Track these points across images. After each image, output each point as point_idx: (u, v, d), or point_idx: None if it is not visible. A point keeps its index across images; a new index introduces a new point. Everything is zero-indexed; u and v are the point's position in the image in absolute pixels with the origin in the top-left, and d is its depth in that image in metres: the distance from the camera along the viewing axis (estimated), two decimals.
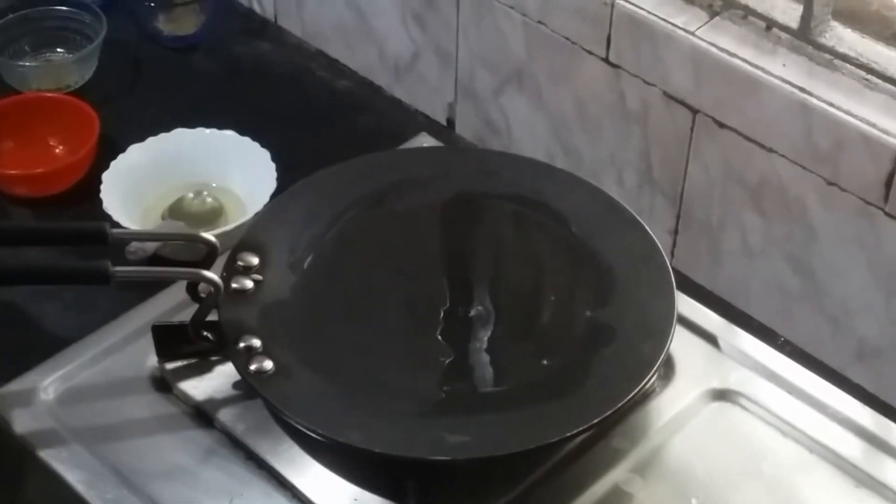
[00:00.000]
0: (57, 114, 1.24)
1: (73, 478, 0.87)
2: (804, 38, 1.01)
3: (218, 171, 1.19)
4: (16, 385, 0.93)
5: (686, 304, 0.98)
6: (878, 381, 1.04)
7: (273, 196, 1.10)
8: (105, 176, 1.15)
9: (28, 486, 0.93)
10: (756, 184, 1.06)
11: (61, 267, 0.89)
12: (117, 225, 1.10)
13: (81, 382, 0.94)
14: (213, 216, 1.15)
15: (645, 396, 0.91)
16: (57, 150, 1.24)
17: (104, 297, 1.02)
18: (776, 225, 1.06)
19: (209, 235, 0.93)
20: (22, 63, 1.30)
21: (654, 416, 0.91)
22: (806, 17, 1.00)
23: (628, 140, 1.14)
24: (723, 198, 1.09)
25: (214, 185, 1.18)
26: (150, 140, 1.20)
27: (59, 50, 1.33)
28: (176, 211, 1.15)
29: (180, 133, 1.20)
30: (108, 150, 1.19)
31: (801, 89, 0.99)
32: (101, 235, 0.89)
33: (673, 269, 1.14)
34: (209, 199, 1.16)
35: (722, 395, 0.93)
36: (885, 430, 0.90)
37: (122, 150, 1.18)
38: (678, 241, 1.15)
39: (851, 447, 0.89)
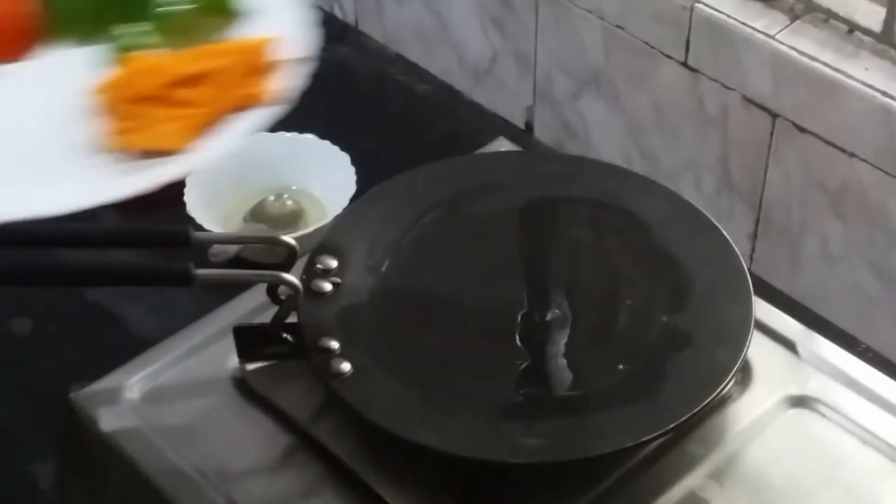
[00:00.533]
0: None
1: (156, 477, 0.89)
2: (887, 41, 1.00)
3: (298, 175, 1.21)
4: (101, 384, 0.95)
5: (764, 310, 0.97)
6: None
7: (352, 199, 1.12)
8: (189, 179, 1.18)
9: (112, 484, 0.95)
10: (837, 189, 1.05)
11: (145, 268, 0.91)
12: (200, 228, 1.12)
13: (165, 382, 0.95)
14: (293, 219, 1.17)
15: (722, 402, 0.90)
16: None
17: (187, 299, 1.04)
18: (857, 230, 1.05)
19: (289, 238, 0.94)
20: None
21: (730, 421, 0.90)
22: (889, 21, 0.99)
23: (706, 144, 1.14)
24: (803, 203, 1.08)
25: (295, 188, 1.20)
26: None
27: None
28: (257, 214, 1.17)
29: (261, 137, 1.22)
30: None
31: (884, 93, 0.98)
32: (183, 238, 0.91)
33: (752, 273, 1.13)
34: (289, 203, 1.18)
35: (800, 401, 0.92)
36: None
37: None
38: (757, 245, 1.15)
39: None
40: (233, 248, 1.09)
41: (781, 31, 1.04)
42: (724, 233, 0.97)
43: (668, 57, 1.12)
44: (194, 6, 0.71)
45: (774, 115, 1.06)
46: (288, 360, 0.94)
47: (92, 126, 0.66)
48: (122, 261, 0.92)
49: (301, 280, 0.92)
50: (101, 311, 1.08)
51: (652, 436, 0.84)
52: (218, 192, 1.19)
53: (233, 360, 0.95)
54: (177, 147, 0.64)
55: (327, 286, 0.95)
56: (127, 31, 0.70)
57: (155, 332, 1.02)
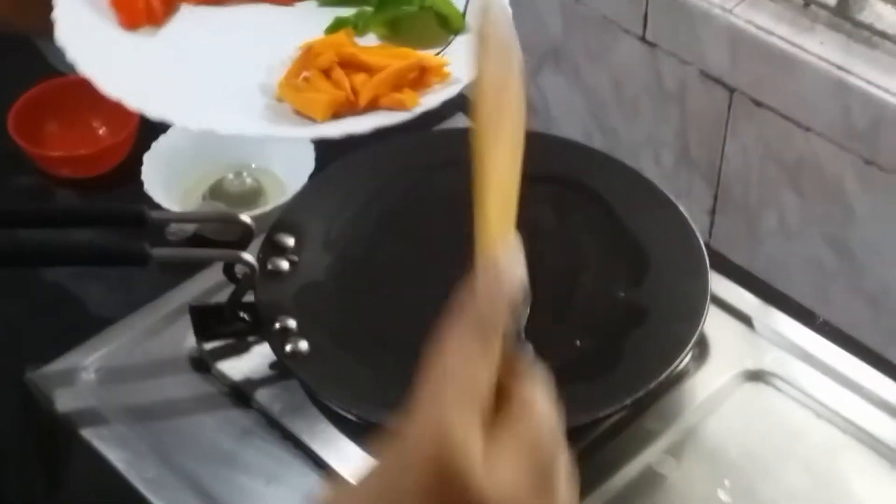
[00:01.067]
0: (99, 96, 1.23)
1: (114, 456, 0.88)
2: (842, 15, 1.00)
3: (257, 152, 1.20)
4: (58, 365, 0.94)
5: (721, 285, 0.97)
6: None
7: (311, 177, 1.11)
8: (146, 157, 1.17)
9: (70, 464, 0.94)
10: (794, 163, 1.05)
11: (100, 248, 0.91)
12: (158, 206, 1.11)
13: (122, 362, 0.95)
14: (252, 196, 1.17)
15: (678, 377, 0.91)
16: (100, 132, 1.25)
17: (147, 277, 1.04)
18: (814, 204, 1.06)
19: (245, 217, 0.94)
20: None
21: (687, 397, 0.91)
22: None
23: (665, 119, 1.14)
24: (760, 177, 1.09)
25: (254, 165, 1.19)
26: None
27: None
28: (216, 191, 1.16)
29: None
30: (150, 131, 1.20)
31: (839, 67, 0.98)
32: (140, 217, 0.90)
33: (711, 248, 1.14)
34: (249, 180, 1.17)
35: (756, 376, 0.93)
36: None
37: (164, 131, 1.19)
38: (716, 220, 1.15)
39: (888, 429, 0.89)
40: (190, 227, 1.09)
41: (738, 4, 1.04)
42: (682, 209, 0.97)
43: (627, 32, 1.12)
44: (423, 12, 0.79)
45: (732, 90, 1.06)
46: (245, 338, 0.94)
47: (280, 74, 0.77)
48: (78, 240, 0.91)
49: (258, 258, 0.92)
50: (59, 291, 1.07)
51: (608, 411, 0.84)
52: (176, 169, 1.18)
53: (190, 340, 0.95)
54: (315, 117, 0.74)
55: (284, 264, 0.94)
56: (360, 9, 0.80)
57: (114, 311, 1.02)
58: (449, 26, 0.79)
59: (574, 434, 0.85)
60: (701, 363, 0.93)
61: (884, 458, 0.88)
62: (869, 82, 0.97)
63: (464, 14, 0.79)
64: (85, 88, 1.25)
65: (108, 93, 0.75)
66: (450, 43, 0.79)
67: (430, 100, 0.75)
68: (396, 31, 0.80)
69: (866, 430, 0.89)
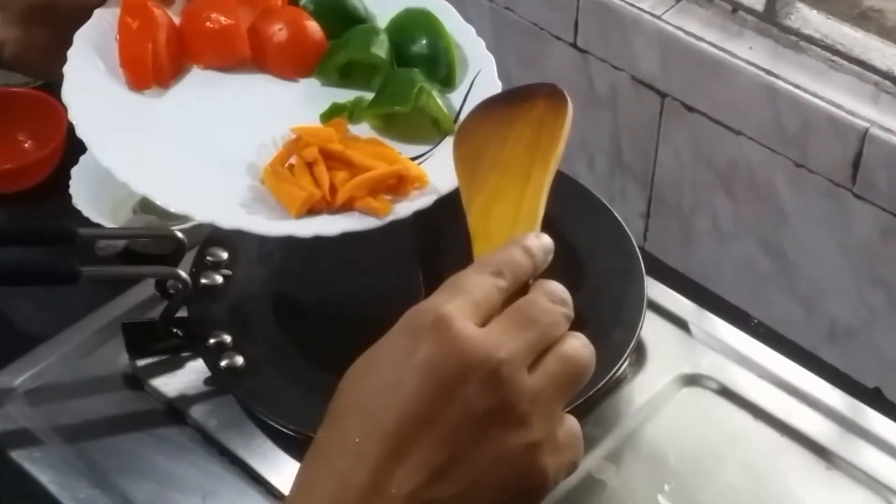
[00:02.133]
0: (25, 108, 1.23)
1: (45, 478, 0.87)
2: (770, 20, 1.01)
3: None
4: None
5: (657, 290, 0.98)
6: (851, 361, 1.05)
7: None
8: (74, 171, 1.14)
9: (3, 487, 0.92)
10: (726, 167, 1.06)
11: (29, 267, 0.89)
12: (87, 220, 1.09)
13: (53, 381, 0.93)
14: None
15: (616, 383, 0.91)
16: (26, 145, 1.23)
17: (78, 292, 1.01)
18: (747, 207, 1.06)
19: (176, 231, 0.93)
20: None
21: (625, 402, 0.91)
22: (771, 0, 1.00)
23: (599, 124, 1.14)
24: (693, 181, 1.09)
25: None
26: None
27: None
28: (147, 204, 1.14)
29: None
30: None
31: (768, 72, 0.99)
32: (70, 236, 0.89)
33: (646, 252, 1.14)
34: None
35: (693, 380, 0.93)
36: (856, 412, 0.90)
37: None
38: (650, 224, 1.16)
39: (822, 430, 0.89)
40: (121, 242, 1.07)
41: (667, 11, 1.05)
42: (616, 214, 0.97)
43: (558, 38, 1.12)
44: (413, 111, 0.80)
45: (663, 95, 1.07)
46: (180, 354, 0.93)
47: (269, 154, 0.78)
48: (4, 260, 0.90)
49: (190, 273, 0.90)
50: None
51: None
52: (105, 183, 1.15)
53: (123, 357, 0.94)
54: (290, 211, 0.75)
55: (218, 278, 0.93)
56: (358, 97, 0.82)
57: (44, 329, 1.00)
58: (439, 127, 0.81)
59: None
60: (638, 368, 0.93)
61: (820, 458, 0.89)
62: (797, 86, 0.98)
63: (455, 120, 0.80)
64: (10, 101, 1.24)
65: (100, 160, 0.75)
66: (438, 144, 0.80)
67: (403, 208, 0.76)
68: (390, 125, 0.81)
69: (802, 431, 0.90)
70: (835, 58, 0.99)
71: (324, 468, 0.51)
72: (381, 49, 0.83)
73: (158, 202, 0.74)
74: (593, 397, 0.86)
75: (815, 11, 1.01)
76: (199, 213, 0.73)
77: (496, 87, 0.82)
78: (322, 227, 0.75)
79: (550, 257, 0.60)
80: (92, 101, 0.77)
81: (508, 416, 0.51)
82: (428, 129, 0.81)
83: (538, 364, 0.53)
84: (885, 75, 0.96)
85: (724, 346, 0.95)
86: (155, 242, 1.05)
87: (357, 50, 0.83)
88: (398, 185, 0.76)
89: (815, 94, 0.97)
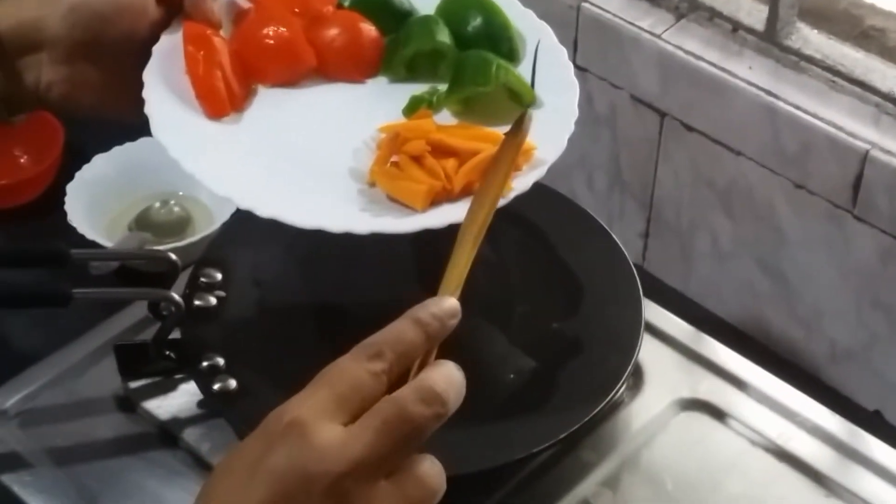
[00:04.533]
0: (21, 124, 1.21)
1: (36, 502, 0.86)
2: (770, 40, 1.00)
3: (185, 180, 1.17)
4: None
5: (655, 312, 0.97)
6: (851, 383, 1.04)
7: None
8: (69, 187, 1.14)
9: None
10: (725, 187, 1.05)
11: (21, 289, 0.88)
12: (82, 238, 1.08)
13: (44, 403, 0.93)
14: (180, 226, 1.14)
15: (613, 407, 0.90)
16: (21, 161, 1.23)
17: (71, 312, 1.01)
18: (746, 228, 1.06)
19: (169, 253, 0.92)
20: None
21: (622, 427, 0.90)
22: (772, 20, 1.00)
23: (597, 143, 1.13)
24: (692, 201, 1.08)
25: (181, 193, 1.17)
26: (116, 149, 1.18)
27: None
28: (142, 221, 1.14)
29: (146, 142, 1.18)
30: (74, 159, 1.18)
31: (768, 92, 0.98)
32: (62, 257, 0.88)
33: (645, 272, 1.13)
34: (176, 209, 1.15)
35: (691, 404, 0.92)
36: (855, 438, 0.89)
37: (88, 159, 1.17)
38: (649, 244, 1.15)
39: (821, 456, 0.88)
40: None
41: (667, 30, 1.04)
42: (614, 236, 0.97)
43: None
44: (496, 88, 0.79)
45: (662, 114, 1.06)
46: (172, 376, 0.92)
47: (366, 156, 0.77)
48: None
49: (184, 295, 0.90)
50: None
51: (543, 446, 0.83)
52: (101, 199, 1.16)
53: (115, 379, 0.93)
54: (415, 206, 0.74)
55: (212, 300, 0.92)
56: (434, 87, 0.81)
57: (38, 348, 0.99)
58: (520, 101, 0.80)
59: (508, 469, 0.85)
60: (636, 392, 0.92)
61: (819, 485, 0.87)
62: (797, 107, 0.97)
63: (532, 87, 0.80)
64: None
65: (217, 191, 0.74)
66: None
67: (521, 182, 0.75)
68: (469, 108, 0.80)
69: (801, 457, 0.89)
70: (835, 78, 0.98)
71: None
72: (444, 36, 0.82)
73: (288, 223, 0.73)
74: (591, 422, 0.85)
75: (815, 31, 1.00)
76: (333, 226, 0.73)
77: (561, 53, 0.83)
78: (450, 215, 0.73)
79: (454, 321, 0.59)
80: (185, 136, 0.77)
81: None
82: (506, 105, 0.80)
83: (392, 476, 0.52)
84: (886, 97, 0.95)
85: (722, 371, 0.94)
86: (149, 261, 1.04)
87: (423, 40, 0.82)
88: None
89: (815, 115, 0.96)
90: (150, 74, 0.78)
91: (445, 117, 0.80)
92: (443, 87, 0.81)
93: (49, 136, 1.19)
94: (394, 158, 0.77)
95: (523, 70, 0.82)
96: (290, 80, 0.82)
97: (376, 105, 0.81)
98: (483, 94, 0.80)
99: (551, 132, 0.77)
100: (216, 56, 0.79)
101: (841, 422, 0.90)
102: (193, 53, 0.78)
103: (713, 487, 0.87)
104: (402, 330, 0.56)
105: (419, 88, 0.81)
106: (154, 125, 0.76)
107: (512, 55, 0.83)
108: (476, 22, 0.84)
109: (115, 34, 0.73)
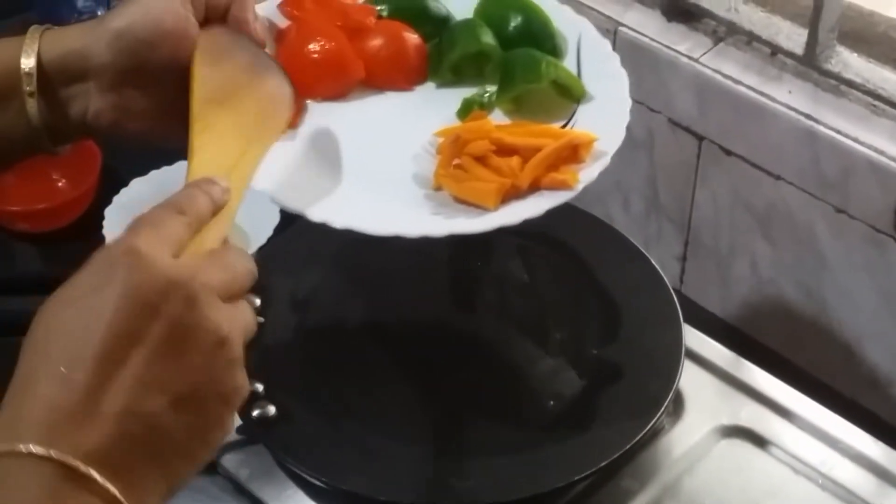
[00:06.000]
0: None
1: None
2: (810, 64, 1.00)
3: None
4: None
5: (695, 338, 0.96)
6: (892, 409, 1.03)
7: (277, 229, 1.09)
8: (107, 211, 1.14)
9: None
10: (764, 211, 1.04)
11: None
12: None
13: None
14: None
15: (654, 434, 0.90)
16: (59, 184, 1.23)
17: None
18: (785, 252, 1.05)
19: None
20: None
21: (663, 454, 0.90)
22: (811, 43, 0.99)
23: (634, 166, 1.13)
24: (731, 224, 1.08)
25: None
26: (153, 173, 1.19)
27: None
28: None
29: (183, 165, 1.18)
30: (111, 183, 1.18)
31: (808, 116, 0.98)
32: None
33: (682, 295, 1.13)
34: None
35: (732, 431, 0.91)
36: None
37: (125, 183, 1.17)
38: (687, 267, 1.14)
39: (864, 484, 0.87)
40: None
41: (705, 53, 1.04)
42: (652, 260, 0.96)
43: None
44: (547, 85, 0.80)
45: (700, 138, 1.06)
46: None
47: (427, 161, 0.78)
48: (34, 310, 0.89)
49: None
50: (16, 353, 1.05)
51: (584, 474, 0.83)
52: None
53: None
54: (487, 205, 0.74)
55: None
56: (483, 89, 0.82)
57: None
58: (570, 95, 0.80)
59: (548, 498, 0.85)
60: (676, 419, 0.92)
61: None
62: (838, 131, 0.96)
63: (579, 79, 0.81)
64: None
65: (288, 207, 0.75)
66: (574, 113, 0.80)
67: (587, 174, 0.75)
68: (521, 106, 0.81)
69: (844, 484, 0.88)
70: (876, 102, 0.97)
71: (28, 395, 0.51)
72: (489, 37, 0.83)
73: (364, 232, 0.74)
74: (631, 449, 0.84)
75: (855, 55, 0.99)
76: (410, 231, 0.73)
77: (603, 45, 0.83)
78: (524, 211, 0.74)
79: (227, 197, 0.63)
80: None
81: (210, 334, 0.54)
82: (556, 101, 0.80)
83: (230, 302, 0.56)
84: None
85: (763, 398, 0.93)
86: None
87: (468, 44, 0.82)
88: (572, 154, 0.76)
89: (855, 140, 0.95)
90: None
91: (498, 116, 0.80)
92: (492, 87, 0.81)
93: (87, 159, 1.19)
94: (456, 161, 0.77)
95: (569, 65, 0.82)
96: (339, 93, 0.82)
97: (427, 111, 0.81)
98: (534, 91, 0.80)
99: (608, 123, 0.77)
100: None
101: (884, 449, 0.89)
102: None
103: None
104: (198, 194, 0.61)
105: (468, 91, 0.82)
106: None
107: (556, 51, 0.83)
108: (517, 21, 0.84)
109: (160, 59, 0.73)
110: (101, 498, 0.51)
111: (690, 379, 0.93)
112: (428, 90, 0.83)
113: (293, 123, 0.80)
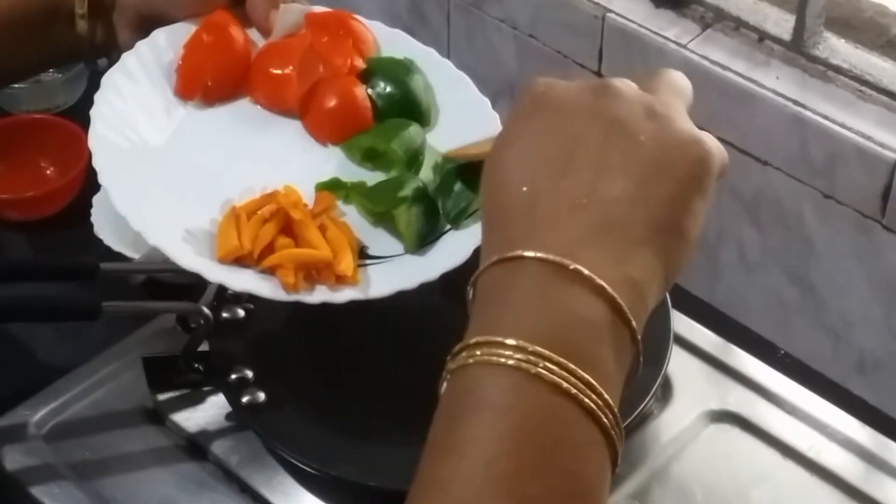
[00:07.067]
0: (47, 135, 1.22)
1: None
2: (797, 49, 1.00)
3: None
4: (6, 420, 0.92)
5: (683, 324, 0.97)
6: (880, 394, 1.03)
7: None
8: (95, 199, 1.14)
9: None
10: (752, 197, 1.05)
11: (51, 303, 0.88)
12: (108, 249, 1.09)
13: (73, 415, 0.93)
14: None
15: (643, 420, 0.90)
16: (48, 172, 1.23)
17: (99, 323, 1.01)
18: (773, 238, 1.05)
19: None
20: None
21: (652, 439, 0.90)
22: (798, 29, 0.99)
23: None
24: (719, 211, 1.08)
25: None
26: None
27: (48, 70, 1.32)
28: None
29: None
30: None
31: (795, 102, 0.98)
32: (90, 270, 0.88)
33: None
34: None
35: (721, 416, 0.92)
36: (885, 449, 0.89)
37: None
38: None
39: (852, 468, 0.88)
40: None
41: (693, 40, 1.04)
42: None
43: (582, 66, 1.11)
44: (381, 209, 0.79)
45: None
46: (201, 388, 0.92)
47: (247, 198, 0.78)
48: (26, 296, 0.89)
49: (212, 307, 0.90)
50: (6, 339, 1.05)
51: None
52: None
53: (144, 391, 0.93)
54: (217, 253, 0.75)
55: (240, 312, 0.93)
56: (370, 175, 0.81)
57: (67, 359, 0.99)
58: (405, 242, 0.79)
59: None
60: (665, 404, 0.92)
61: (851, 497, 0.87)
62: (825, 117, 0.96)
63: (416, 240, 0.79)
64: (32, 128, 1.24)
65: (118, 208, 0.79)
66: (399, 255, 0.79)
67: (315, 295, 0.75)
68: (382, 217, 0.79)
69: (832, 469, 0.88)
70: (863, 88, 0.97)
71: (499, 221, 0.56)
72: (400, 145, 0.81)
73: (172, 259, 0.75)
74: None
75: (842, 41, 0.99)
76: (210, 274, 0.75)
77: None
78: (238, 281, 0.75)
79: None
80: (119, 121, 0.82)
81: (657, 109, 0.59)
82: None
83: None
84: None
85: (751, 382, 0.94)
86: (177, 273, 1.04)
87: (379, 139, 0.82)
88: (322, 273, 0.75)
89: (843, 125, 0.96)
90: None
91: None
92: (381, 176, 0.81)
93: (75, 147, 1.19)
94: (261, 211, 0.77)
95: (441, 128, 0.84)
96: (272, 107, 0.84)
97: (316, 166, 0.81)
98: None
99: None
100: (220, 47, 0.83)
101: (872, 433, 0.90)
102: (201, 36, 0.83)
103: (743, 500, 0.87)
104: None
105: (364, 175, 0.81)
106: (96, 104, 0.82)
107: (424, 118, 0.84)
108: (390, 89, 0.84)
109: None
110: (588, 288, 0.53)
111: (679, 364, 0.93)
112: (339, 154, 0.82)
113: (210, 98, 0.83)
